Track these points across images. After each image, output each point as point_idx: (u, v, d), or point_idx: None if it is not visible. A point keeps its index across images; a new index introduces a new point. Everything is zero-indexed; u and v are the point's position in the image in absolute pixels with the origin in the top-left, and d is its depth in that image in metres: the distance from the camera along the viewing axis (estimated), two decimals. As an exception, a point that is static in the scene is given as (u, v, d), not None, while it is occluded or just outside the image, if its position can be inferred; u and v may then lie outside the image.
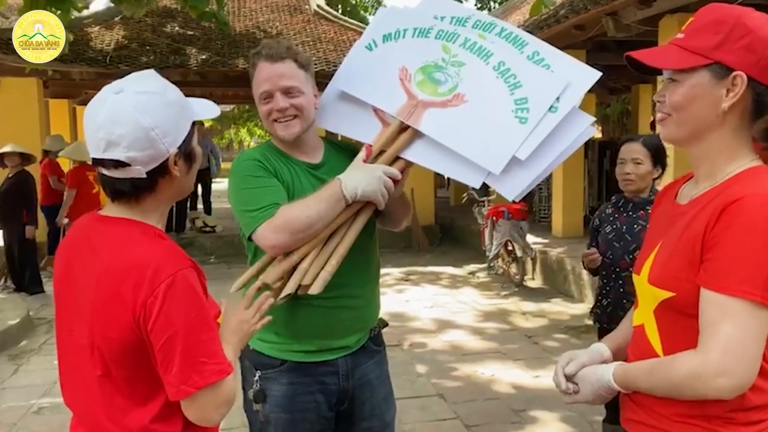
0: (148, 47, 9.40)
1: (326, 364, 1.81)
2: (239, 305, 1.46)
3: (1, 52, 7.77)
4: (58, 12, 6.52)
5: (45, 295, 7.00)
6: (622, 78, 11.66)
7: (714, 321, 1.12)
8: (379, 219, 1.89)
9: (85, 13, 10.10)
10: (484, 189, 8.39)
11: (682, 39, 1.24)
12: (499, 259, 7.54)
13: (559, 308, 6.28)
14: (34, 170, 7.43)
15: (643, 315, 1.31)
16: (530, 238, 7.55)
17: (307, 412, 1.79)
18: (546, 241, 8.00)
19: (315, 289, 1.63)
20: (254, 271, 1.69)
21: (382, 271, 8.00)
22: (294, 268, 1.65)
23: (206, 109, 1.38)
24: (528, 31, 1.93)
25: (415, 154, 1.74)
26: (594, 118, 1.74)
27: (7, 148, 6.87)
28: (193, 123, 1.31)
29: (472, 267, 8.27)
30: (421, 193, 9.77)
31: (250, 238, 1.67)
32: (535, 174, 1.67)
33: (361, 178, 1.65)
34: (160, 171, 1.25)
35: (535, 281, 7.48)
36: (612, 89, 13.22)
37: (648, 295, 1.27)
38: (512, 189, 1.68)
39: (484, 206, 7.87)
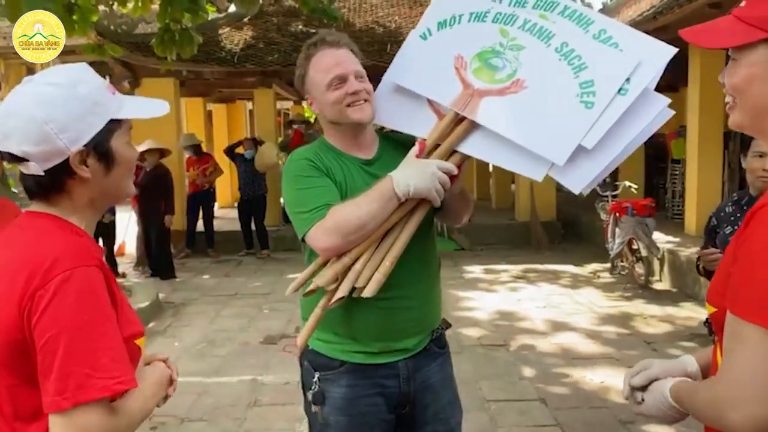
0: (273, 46, 9.79)
1: (386, 367, 1.75)
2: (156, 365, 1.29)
3: (141, 55, 8.44)
4: (189, 16, 6.94)
5: (176, 280, 7.56)
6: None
7: (728, 346, 1.00)
8: (437, 214, 1.80)
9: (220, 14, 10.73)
10: (611, 183, 7.91)
11: (742, 8, 1.06)
12: (623, 258, 7.08)
13: (688, 313, 5.79)
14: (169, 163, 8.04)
15: None
16: (660, 237, 7.04)
17: (366, 416, 1.75)
18: (677, 239, 7.41)
19: (368, 292, 1.57)
20: (309, 273, 1.66)
21: (497, 267, 7.73)
22: (348, 270, 1.60)
23: (143, 110, 1.23)
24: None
25: (471, 146, 1.64)
26: (670, 100, 1.55)
27: (145, 146, 7.47)
28: (115, 121, 1.18)
29: (595, 266, 7.85)
30: (540, 186, 9.40)
31: (303, 240, 1.65)
32: (603, 164, 1.53)
33: (413, 175, 1.56)
34: (64, 171, 1.13)
35: (662, 283, 6.96)
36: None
37: None
38: (578, 181, 1.54)
39: (607, 201, 7.43)
